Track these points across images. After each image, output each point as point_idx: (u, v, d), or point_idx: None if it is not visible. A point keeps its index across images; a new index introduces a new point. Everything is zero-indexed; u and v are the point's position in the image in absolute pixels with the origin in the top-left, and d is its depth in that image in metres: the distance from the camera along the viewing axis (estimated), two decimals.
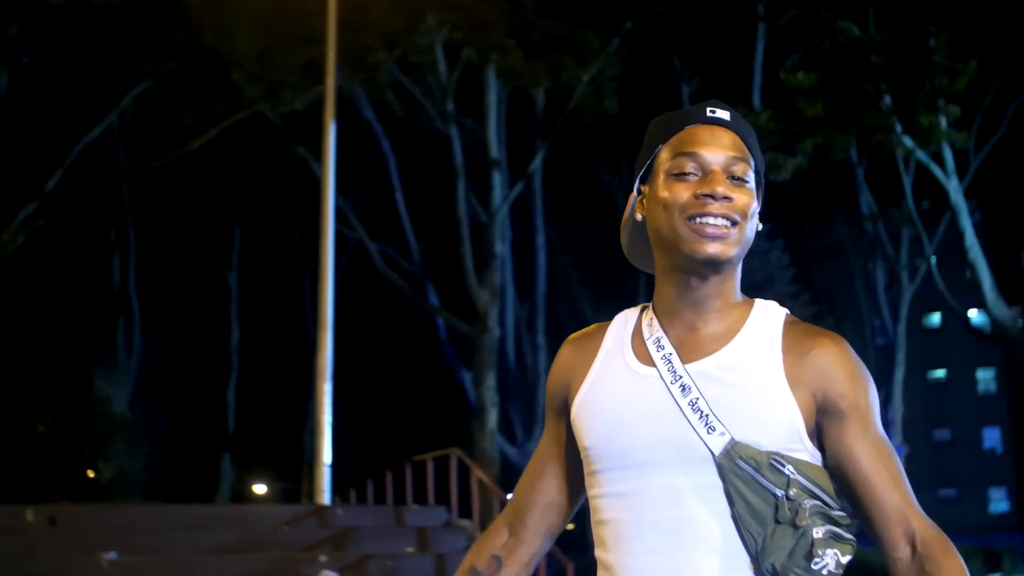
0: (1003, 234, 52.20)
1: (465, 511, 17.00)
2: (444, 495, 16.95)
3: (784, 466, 2.00)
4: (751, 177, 2.11)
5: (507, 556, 2.31)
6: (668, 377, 2.06)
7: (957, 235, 32.22)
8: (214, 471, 40.77)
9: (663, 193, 2.09)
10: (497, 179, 27.40)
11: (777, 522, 1.99)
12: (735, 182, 2.08)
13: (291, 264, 39.98)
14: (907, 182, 29.05)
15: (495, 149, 27.23)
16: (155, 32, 23.33)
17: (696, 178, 2.08)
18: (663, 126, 2.17)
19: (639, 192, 2.18)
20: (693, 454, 2.02)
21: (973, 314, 40.61)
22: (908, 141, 22.94)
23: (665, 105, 33.08)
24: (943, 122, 22.35)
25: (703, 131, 2.11)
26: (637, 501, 2.06)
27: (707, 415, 2.01)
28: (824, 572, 1.99)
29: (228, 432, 41.21)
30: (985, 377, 56.21)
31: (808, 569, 1.99)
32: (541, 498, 2.31)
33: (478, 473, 16.33)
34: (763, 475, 1.99)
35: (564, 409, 2.26)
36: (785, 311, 2.16)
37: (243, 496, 40.74)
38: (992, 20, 22.80)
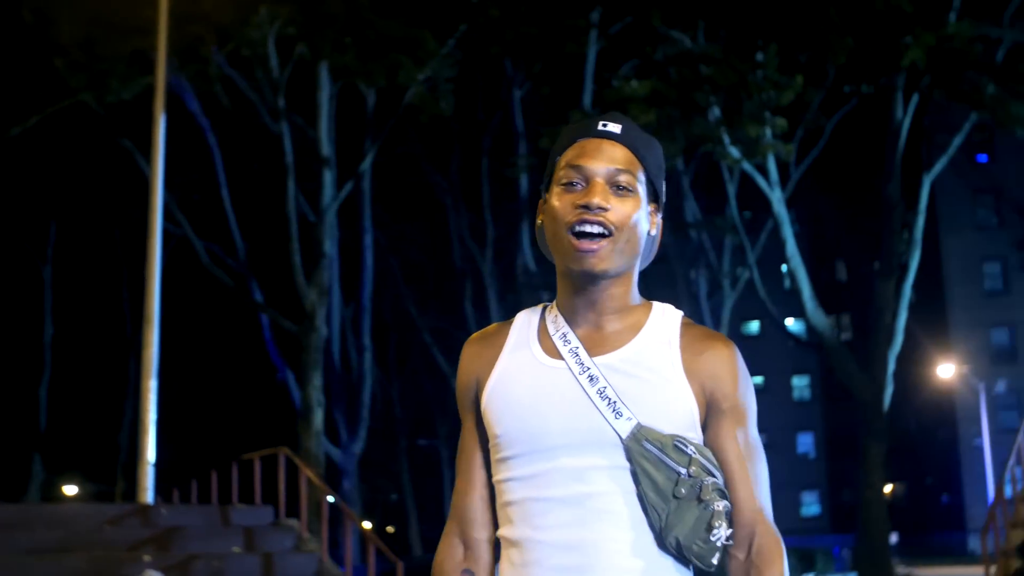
0: (819, 245, 53.97)
1: (292, 511, 16.81)
2: (271, 495, 16.73)
3: (687, 447, 2.14)
4: (639, 187, 2.22)
5: (474, 566, 2.35)
6: (576, 368, 2.19)
7: (775, 245, 33.20)
8: (23, 471, 39.48)
9: (552, 202, 2.23)
10: (328, 178, 27.14)
11: (676, 497, 2.12)
12: (619, 192, 2.19)
13: (109, 259, 38.99)
14: (731, 191, 29.76)
15: (326, 147, 26.98)
16: None
17: (580, 187, 2.20)
18: (562, 138, 2.30)
19: (544, 198, 2.30)
20: (601, 437, 2.14)
21: (790, 323, 41.81)
22: (735, 151, 23.50)
23: (496, 108, 33.31)
24: (769, 134, 22.95)
25: (591, 144, 2.23)
26: (545, 481, 2.17)
27: (615, 402, 2.15)
28: (719, 544, 2.14)
29: (39, 431, 39.97)
30: (800, 384, 58.08)
31: (707, 540, 2.13)
32: (479, 499, 2.35)
33: (307, 472, 16.17)
34: (668, 455, 2.13)
35: (475, 403, 2.34)
36: (681, 313, 2.30)
37: (53, 498, 39.53)
38: (815, 36, 23.50)
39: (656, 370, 2.19)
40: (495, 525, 2.34)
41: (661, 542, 2.15)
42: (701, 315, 36.30)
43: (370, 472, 42.08)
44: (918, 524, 52.16)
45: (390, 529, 52.42)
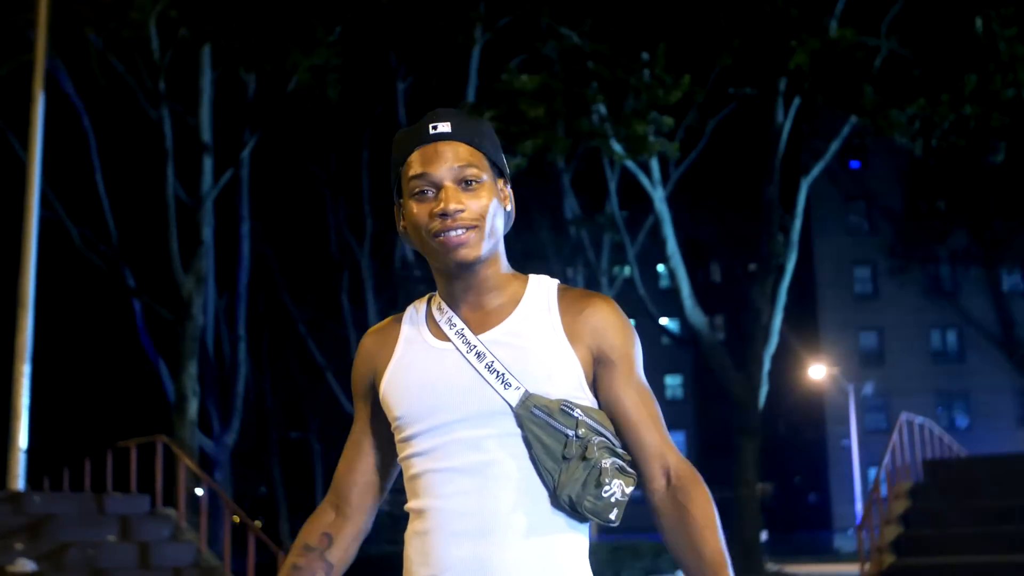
0: (695, 247, 54.64)
1: (169, 500, 16.53)
2: (147, 484, 16.43)
3: (573, 410, 2.28)
4: (484, 175, 2.35)
5: (336, 532, 2.51)
6: (463, 348, 2.33)
7: (651, 244, 33.55)
8: None
9: (410, 215, 2.35)
10: (207, 164, 26.72)
11: (565, 458, 2.25)
12: (468, 187, 2.32)
13: None
14: (612, 189, 29.98)
15: (207, 133, 26.56)
16: None
17: (432, 194, 2.32)
18: (399, 148, 2.40)
19: (398, 204, 2.42)
20: (493, 408, 2.28)
21: (664, 322, 42.29)
22: (620, 148, 23.66)
23: (381, 99, 33.11)
24: (653, 132, 23.13)
25: (428, 150, 2.33)
26: (443, 452, 2.30)
27: (503, 374, 2.29)
28: (612, 499, 2.25)
29: None
30: (673, 383, 58.83)
31: (599, 496, 2.24)
32: (359, 477, 2.51)
33: (186, 461, 15.91)
34: (555, 419, 2.26)
35: (371, 392, 2.49)
36: (556, 281, 2.42)
37: None
38: (703, 37, 23.76)
39: (538, 338, 2.32)
40: (363, 505, 2.52)
41: (556, 502, 2.27)
42: None
43: (240, 464, 41.53)
44: (785, 522, 53.20)
45: (258, 523, 51.91)
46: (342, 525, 2.51)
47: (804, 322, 46.83)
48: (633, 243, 32.20)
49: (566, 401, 2.28)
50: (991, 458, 22.23)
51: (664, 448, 2.33)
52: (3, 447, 16.49)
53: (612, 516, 2.26)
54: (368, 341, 2.51)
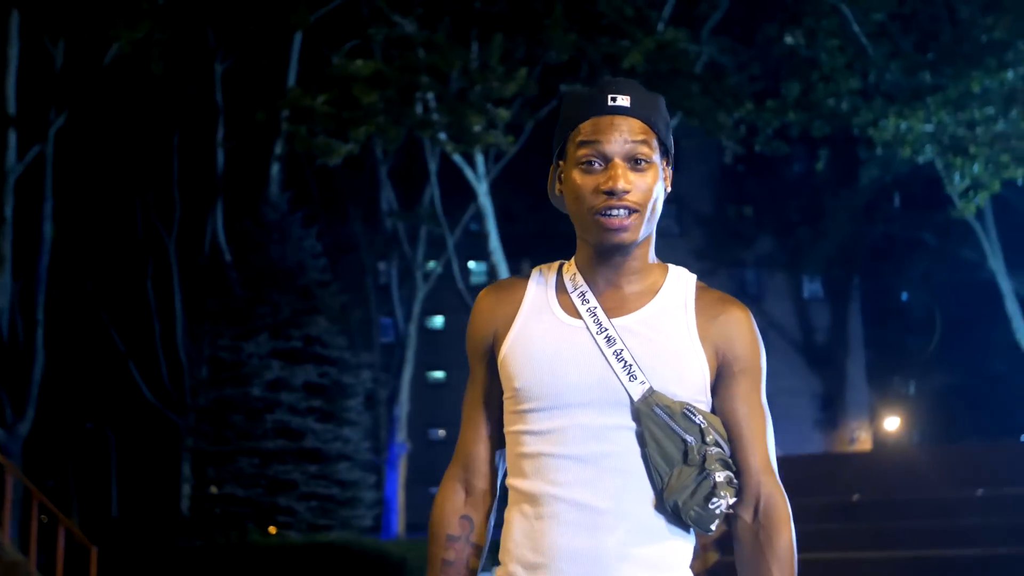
0: (510, 243, 54.80)
1: None
2: None
3: (695, 416, 2.23)
4: (655, 155, 2.29)
5: (474, 513, 2.43)
6: (594, 328, 2.27)
7: (465, 239, 33.49)
8: None
9: (572, 183, 2.29)
10: (12, 138, 25.49)
11: (685, 464, 2.21)
12: (638, 166, 2.26)
13: None
14: (434, 182, 29.73)
15: (12, 105, 25.34)
16: None
17: (600, 167, 2.26)
18: (571, 111, 2.33)
19: (557, 165, 2.37)
20: (615, 398, 2.23)
21: None
22: (445, 137, 23.39)
23: (200, 80, 32.14)
24: (486, 125, 22.92)
25: (603, 121, 2.27)
26: (562, 437, 2.24)
27: (630, 364, 2.23)
28: (718, 511, 2.23)
29: None
30: None
31: (706, 508, 2.21)
32: (484, 449, 2.43)
33: None
34: (676, 422, 2.21)
35: (489, 354, 2.40)
36: (695, 276, 2.39)
37: None
38: (539, 31, 23.69)
39: (671, 334, 2.28)
40: (495, 475, 2.45)
41: (661, 504, 2.24)
42: (392, 304, 36.11)
43: (35, 456, 39.91)
44: None
45: (44, 518, 50.06)
46: (478, 503, 2.44)
47: None
48: (452, 237, 32.04)
49: (689, 405, 2.24)
50: (800, 457, 22.80)
51: (763, 474, 2.28)
52: None
53: (713, 527, 2.24)
54: (487, 301, 2.43)
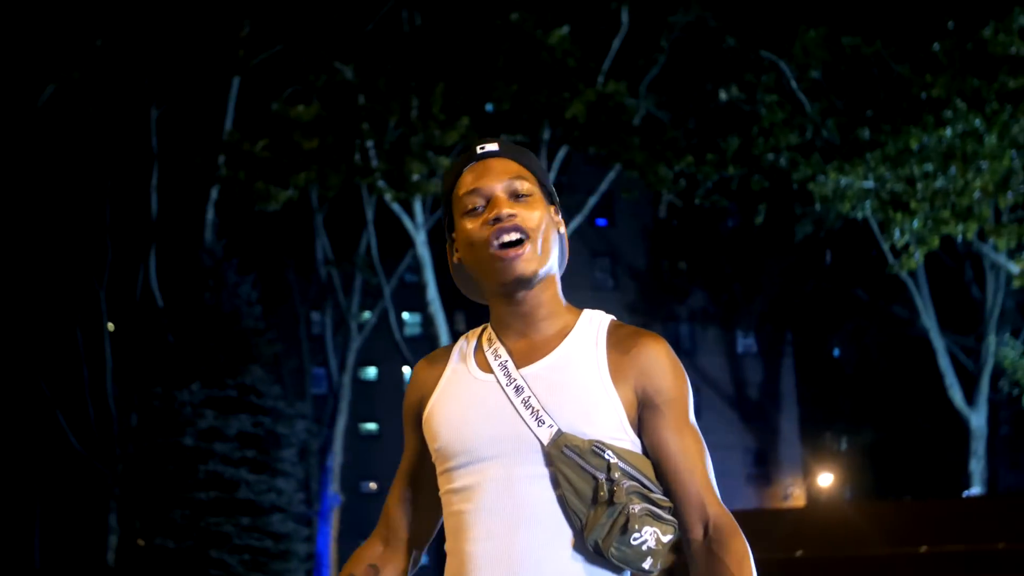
0: (449, 295, 54.68)
1: None
2: None
3: (604, 452, 2.21)
4: (536, 190, 2.34)
5: (383, 565, 2.47)
6: (504, 380, 2.29)
7: (400, 290, 33.27)
8: None
9: (463, 234, 2.33)
10: None
11: (595, 502, 2.18)
12: (520, 200, 2.30)
13: None
14: (371, 231, 29.55)
15: None
16: None
17: (483, 209, 2.31)
18: (447, 177, 2.43)
19: (450, 239, 2.43)
20: (526, 446, 2.23)
21: (408, 371, 41.96)
22: (385, 186, 23.26)
23: (135, 124, 31.81)
24: (427, 173, 22.84)
25: (478, 167, 2.34)
26: (477, 492, 2.26)
27: (537, 410, 2.23)
28: (644, 548, 2.19)
29: None
30: None
31: (627, 543, 2.17)
32: (410, 508, 2.48)
33: None
34: (586, 460, 2.20)
35: (418, 422, 2.44)
36: (611, 317, 2.39)
37: None
38: (482, 80, 23.70)
39: (579, 375, 2.27)
40: (416, 539, 2.49)
41: (583, 544, 2.21)
42: (326, 354, 35.80)
43: None
44: None
45: None
46: (390, 558, 2.48)
47: None
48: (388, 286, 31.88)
49: (598, 442, 2.22)
50: (735, 513, 22.66)
51: (705, 498, 2.26)
52: None
53: (646, 565, 2.20)
54: (419, 370, 2.49)
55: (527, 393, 2.26)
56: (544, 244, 2.30)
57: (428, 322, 26.54)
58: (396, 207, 24.46)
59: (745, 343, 46.68)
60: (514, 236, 2.26)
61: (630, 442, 2.26)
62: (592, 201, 27.75)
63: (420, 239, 25.44)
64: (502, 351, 2.33)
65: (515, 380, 2.28)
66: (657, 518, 2.21)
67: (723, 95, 25.19)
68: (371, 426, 53.25)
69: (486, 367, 2.34)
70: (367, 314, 35.42)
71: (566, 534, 2.21)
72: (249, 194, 22.78)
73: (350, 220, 32.41)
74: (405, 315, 48.92)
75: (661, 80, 27.52)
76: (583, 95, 22.38)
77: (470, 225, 2.31)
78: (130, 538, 23.39)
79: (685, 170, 24.92)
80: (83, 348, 36.16)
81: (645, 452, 2.30)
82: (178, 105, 29.74)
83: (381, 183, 22.92)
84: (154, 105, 30.90)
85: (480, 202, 2.31)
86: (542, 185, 2.36)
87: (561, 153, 26.46)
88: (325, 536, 33.60)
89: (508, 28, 22.08)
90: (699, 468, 2.27)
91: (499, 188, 2.30)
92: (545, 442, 2.21)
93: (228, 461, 23.08)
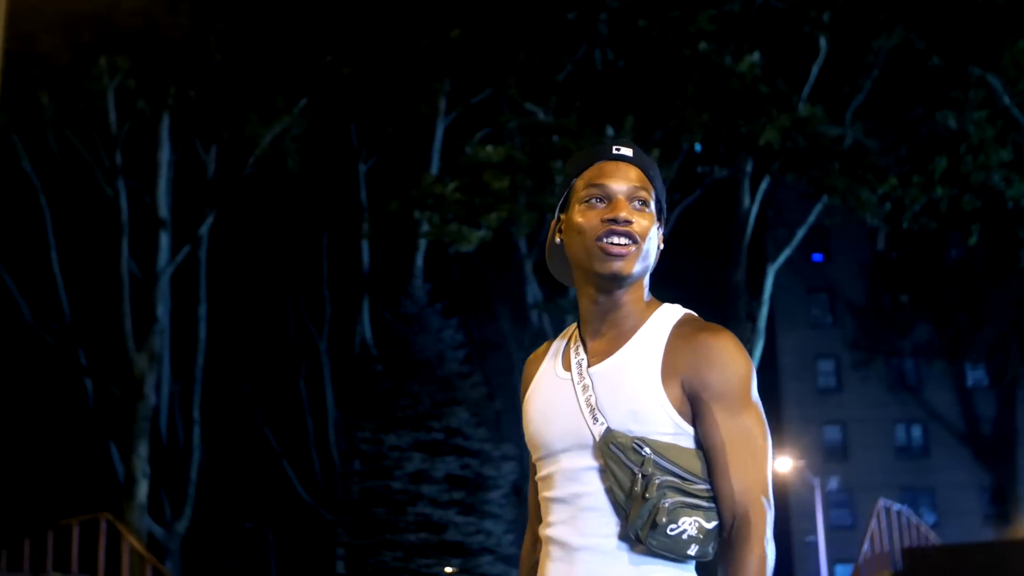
0: None
1: None
2: (89, 565, 15.67)
3: (643, 448, 2.33)
4: (652, 204, 2.46)
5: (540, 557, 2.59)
6: (576, 379, 2.44)
7: None
8: None
9: (577, 219, 2.44)
10: (164, 241, 26.17)
11: (632, 496, 2.32)
12: (638, 207, 2.42)
13: None
14: None
15: (163, 209, 26.06)
16: None
17: (604, 205, 2.42)
18: (576, 162, 2.52)
19: (558, 219, 2.54)
20: (585, 441, 2.40)
21: None
22: None
23: (342, 183, 32.75)
24: None
25: (609, 165, 2.46)
26: (551, 482, 2.46)
27: (595, 409, 2.39)
28: (684, 537, 2.32)
29: None
30: None
31: (665, 534, 2.31)
32: (537, 501, 2.62)
33: (130, 539, 15.17)
34: (627, 457, 2.34)
35: None
36: (685, 311, 2.48)
37: None
38: (672, 112, 23.46)
39: (636, 372, 2.38)
40: None
41: (627, 536, 2.35)
42: None
43: (193, 554, 40.46)
44: None
45: None
46: (540, 552, 2.59)
47: (767, 415, 46.27)
48: None
49: (639, 439, 2.34)
50: (970, 546, 21.72)
51: (736, 494, 2.34)
52: None
53: (692, 552, 2.33)
54: (525, 367, 2.67)
55: (590, 392, 2.41)
56: (647, 253, 2.42)
57: None
58: None
59: (975, 376, 44.83)
60: (624, 240, 2.39)
61: (682, 435, 2.37)
62: (800, 233, 27.11)
63: None
64: (581, 350, 2.47)
65: (584, 379, 2.43)
66: (696, 508, 2.33)
67: (940, 117, 24.20)
68: None
69: (568, 365, 2.49)
70: None
71: (615, 521, 2.37)
72: (443, 236, 23.11)
73: None
74: None
75: (865, 105, 26.77)
76: (776, 121, 21.94)
77: (584, 215, 2.43)
78: None
79: (890, 194, 24.11)
80: (307, 400, 37.22)
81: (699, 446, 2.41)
82: (385, 158, 30.49)
83: None
84: (362, 160, 31.76)
85: (601, 197, 2.43)
86: (657, 200, 2.48)
87: (764, 185, 25.98)
88: None
89: (697, 58, 21.84)
90: (739, 467, 2.35)
91: (623, 192, 2.42)
92: (597, 438, 2.37)
93: (436, 503, 23.27)
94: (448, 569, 23.08)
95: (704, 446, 2.37)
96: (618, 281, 2.41)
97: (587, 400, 2.40)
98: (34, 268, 28.80)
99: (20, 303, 26.84)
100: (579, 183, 2.47)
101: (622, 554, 2.36)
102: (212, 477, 42.56)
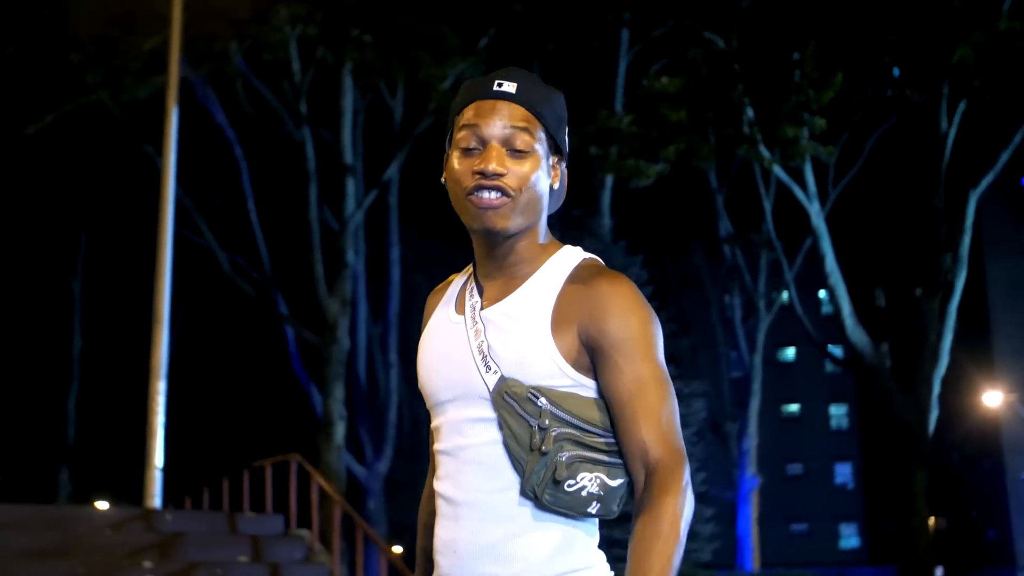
0: (858, 272, 53.02)
1: (305, 521, 16.17)
2: (282, 504, 16.13)
3: (538, 399, 2.18)
4: (537, 145, 2.25)
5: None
6: (469, 323, 2.28)
7: (811, 271, 32.36)
8: (51, 485, 39.21)
9: (452, 166, 2.29)
10: (351, 186, 26.64)
11: (531, 449, 2.17)
12: (515, 155, 2.23)
13: (138, 271, 38.71)
14: (767, 206, 28.96)
15: (349, 155, 26.51)
16: None
17: (478, 152, 2.25)
18: (460, 95, 2.35)
19: (447, 156, 2.35)
20: (476, 391, 2.24)
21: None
22: (767, 152, 22.61)
23: None
24: (806, 134, 22.05)
25: (486, 105, 2.26)
26: (439, 433, 2.32)
27: (486, 356, 2.23)
28: (584, 494, 2.16)
29: (67, 444, 39.70)
30: (838, 413, 56.71)
31: (563, 491, 2.16)
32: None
33: (319, 480, 15.51)
34: (523, 408, 2.18)
35: None
36: (585, 255, 2.31)
37: None
38: (857, 34, 22.62)
39: (524, 321, 2.23)
40: None
41: (523, 490, 2.20)
42: (736, 340, 35.52)
43: (398, 493, 41.47)
44: (963, 559, 50.79)
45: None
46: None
47: (977, 348, 44.86)
48: (791, 267, 31.17)
49: (535, 389, 2.19)
50: None
51: (649, 444, 2.17)
52: (140, 465, 16.41)
53: (592, 510, 2.19)
54: (427, 302, 2.52)
55: (482, 338, 2.25)
56: (527, 203, 2.24)
57: (831, 296, 25.64)
58: (785, 178, 23.78)
59: None
60: (495, 195, 2.22)
61: (578, 386, 2.21)
62: (1004, 157, 25.87)
63: (814, 209, 24.59)
64: (475, 293, 2.33)
65: (476, 324, 2.27)
66: (597, 463, 2.18)
67: None
68: (792, 407, 52.39)
69: (462, 308, 2.34)
70: (784, 294, 34.77)
71: (506, 476, 2.21)
72: (620, 171, 22.85)
73: (751, 200, 32.00)
74: (822, 294, 47.74)
75: None
76: (971, 37, 20.84)
77: (458, 163, 2.27)
78: None
79: None
80: None
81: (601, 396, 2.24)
82: (567, 92, 30.31)
83: (766, 152, 22.31)
84: None
85: (474, 142, 2.26)
86: (550, 136, 2.29)
87: (961, 107, 24.86)
88: (745, 519, 33.29)
89: None
90: (645, 413, 2.17)
91: (497, 137, 2.24)
92: (491, 388, 2.22)
93: None
94: None
95: (607, 398, 2.21)
96: (493, 236, 2.26)
97: (479, 346, 2.25)
98: (230, 220, 29.69)
99: (219, 255, 27.68)
100: (458, 122, 2.30)
101: (510, 510, 2.20)
102: (412, 418, 43.46)
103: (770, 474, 42.83)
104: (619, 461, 2.20)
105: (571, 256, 2.31)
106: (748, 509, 33.29)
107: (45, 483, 39.48)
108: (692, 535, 23.74)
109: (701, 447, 25.06)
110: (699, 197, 33.85)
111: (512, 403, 2.19)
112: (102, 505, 40.02)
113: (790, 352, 53.47)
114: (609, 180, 28.42)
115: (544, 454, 2.16)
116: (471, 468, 2.24)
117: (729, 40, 23.31)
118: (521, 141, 2.24)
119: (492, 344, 2.24)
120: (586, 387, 2.22)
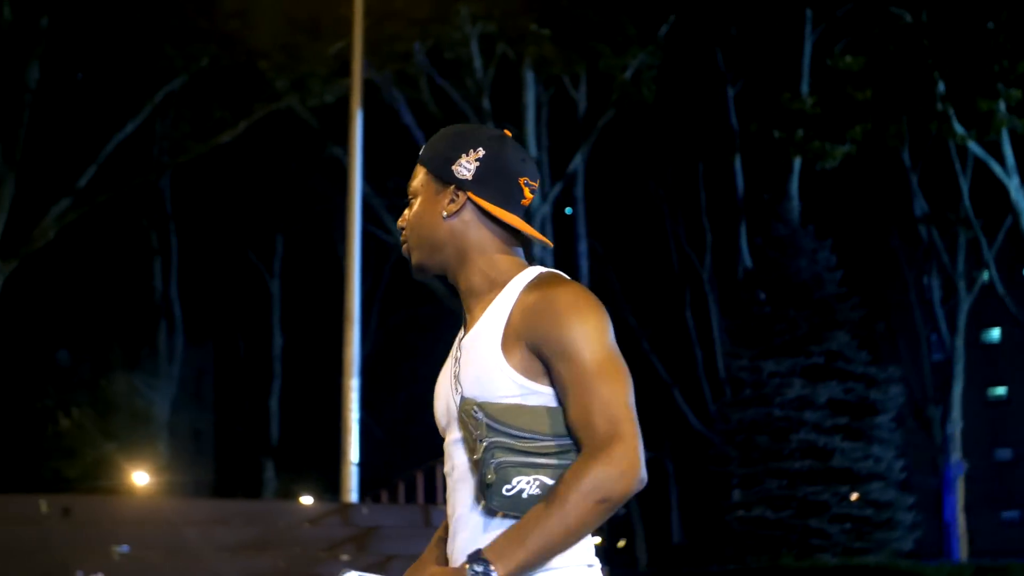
0: None
1: None
2: None
3: (477, 413, 2.28)
4: (421, 188, 2.42)
5: None
6: (454, 353, 2.44)
7: (1014, 247, 31.28)
8: (256, 482, 40.47)
9: None
10: None
11: (472, 461, 2.31)
12: (410, 203, 2.45)
13: (334, 270, 39.69)
14: (964, 184, 28.06)
15: (533, 148, 26.69)
16: (181, 23, 22.91)
17: None
18: None
19: None
20: (453, 415, 2.39)
21: None
22: (960, 128, 21.85)
23: (707, 106, 32.38)
24: (1003, 107, 21.21)
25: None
26: (444, 457, 2.45)
27: (455, 379, 2.38)
28: (524, 496, 2.24)
29: (271, 440, 40.93)
30: None
31: (501, 495, 2.24)
32: None
33: None
34: (469, 423, 2.29)
35: None
36: (541, 270, 2.36)
37: None
38: None
39: (480, 341, 2.34)
40: None
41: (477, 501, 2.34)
42: (936, 321, 34.53)
43: None
44: None
45: (621, 543, 52.06)
46: None
47: None
48: (992, 245, 30.15)
49: (478, 404, 2.29)
50: None
51: (586, 420, 2.21)
52: (336, 460, 16.81)
53: None
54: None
55: (457, 365, 2.39)
56: (418, 240, 2.41)
57: None
58: (980, 152, 22.97)
59: None
60: (404, 246, 2.46)
61: (530, 394, 2.28)
62: None
63: (1013, 184, 23.71)
64: (463, 325, 2.46)
65: (456, 352, 2.42)
66: (537, 466, 2.23)
67: None
68: (999, 390, 50.52)
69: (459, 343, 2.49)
70: (985, 274, 33.67)
71: (478, 489, 2.31)
72: (805, 153, 22.36)
73: (947, 180, 31.10)
74: None
75: None
76: None
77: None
78: (730, 510, 23.77)
79: None
80: (694, 329, 37.35)
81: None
82: (752, 82, 29.94)
83: (959, 127, 21.55)
84: (730, 84, 31.31)
85: None
86: (436, 172, 2.40)
87: None
88: (951, 506, 32.36)
89: None
90: (584, 393, 2.21)
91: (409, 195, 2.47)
92: (456, 409, 2.35)
93: (820, 430, 22.77)
94: (854, 496, 22.64)
95: (558, 395, 2.27)
96: (422, 274, 2.47)
97: (455, 373, 2.39)
98: None
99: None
100: None
101: (486, 522, 2.30)
102: None
103: (977, 460, 41.41)
104: (557, 462, 2.25)
105: (528, 273, 2.37)
106: (954, 497, 32.34)
107: (252, 479, 40.75)
108: (892, 524, 23.18)
109: (900, 433, 24.47)
110: (893, 177, 32.99)
111: (464, 419, 2.31)
112: (305, 500, 41.28)
113: (995, 333, 51.57)
114: (797, 163, 27.96)
115: (479, 463, 2.26)
116: (459, 486, 2.37)
117: (918, 14, 22.60)
118: (411, 189, 2.45)
119: (461, 368, 2.37)
120: (540, 394, 2.29)
